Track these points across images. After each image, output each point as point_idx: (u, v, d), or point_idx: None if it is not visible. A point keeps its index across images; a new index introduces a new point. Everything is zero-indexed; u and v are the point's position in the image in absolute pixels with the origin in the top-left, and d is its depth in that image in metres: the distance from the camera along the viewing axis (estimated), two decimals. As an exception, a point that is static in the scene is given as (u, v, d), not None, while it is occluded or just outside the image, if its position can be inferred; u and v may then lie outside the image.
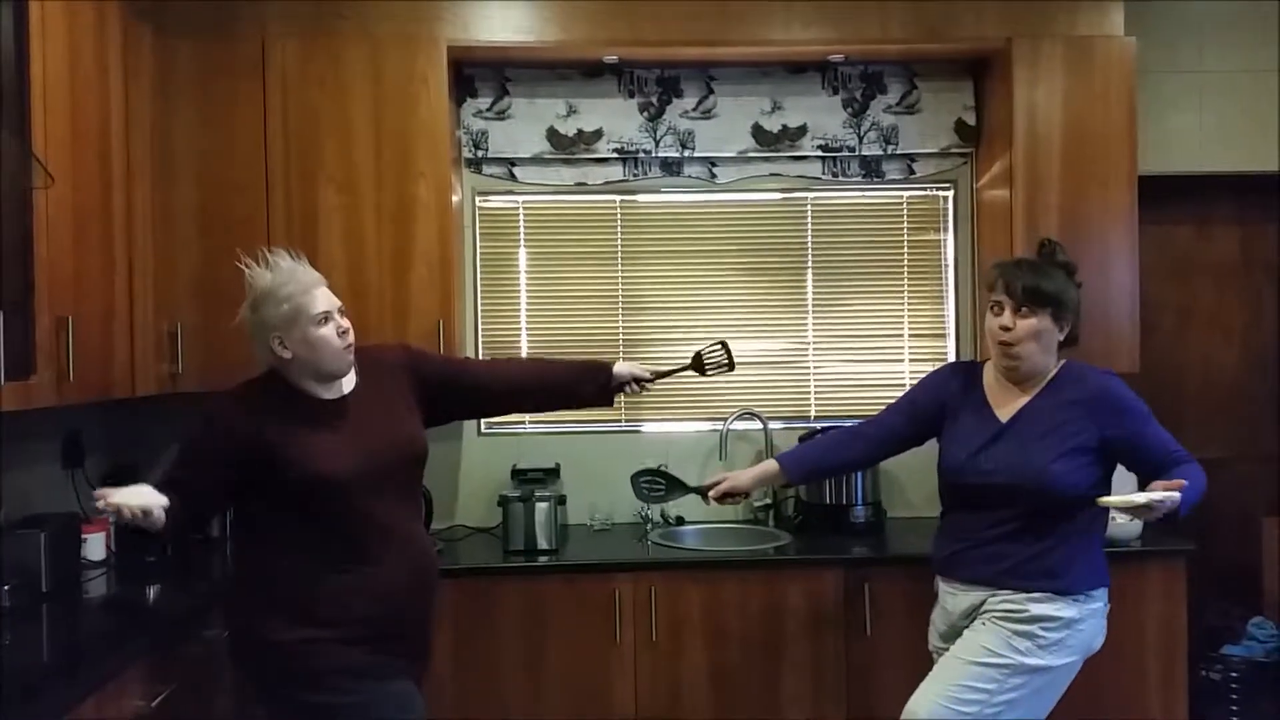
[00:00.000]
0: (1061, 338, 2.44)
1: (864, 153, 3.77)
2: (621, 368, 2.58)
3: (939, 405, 2.64)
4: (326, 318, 2.24)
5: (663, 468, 3.10)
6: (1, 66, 2.33)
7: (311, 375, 2.27)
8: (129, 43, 2.99)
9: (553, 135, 3.70)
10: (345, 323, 2.28)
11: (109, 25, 2.87)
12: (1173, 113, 3.85)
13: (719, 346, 2.67)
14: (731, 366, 2.68)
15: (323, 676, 2.21)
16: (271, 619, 2.22)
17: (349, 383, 2.34)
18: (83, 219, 2.69)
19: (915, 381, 3.79)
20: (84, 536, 3.02)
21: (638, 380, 2.58)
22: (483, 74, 3.68)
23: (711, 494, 2.68)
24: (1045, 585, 2.41)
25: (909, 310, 3.85)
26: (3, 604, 2.56)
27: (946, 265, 3.85)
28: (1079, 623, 2.43)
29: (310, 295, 2.24)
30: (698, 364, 2.68)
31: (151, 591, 2.93)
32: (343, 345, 2.26)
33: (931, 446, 3.73)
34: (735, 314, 3.83)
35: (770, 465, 2.70)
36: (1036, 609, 2.40)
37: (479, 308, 3.78)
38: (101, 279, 2.81)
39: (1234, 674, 3.58)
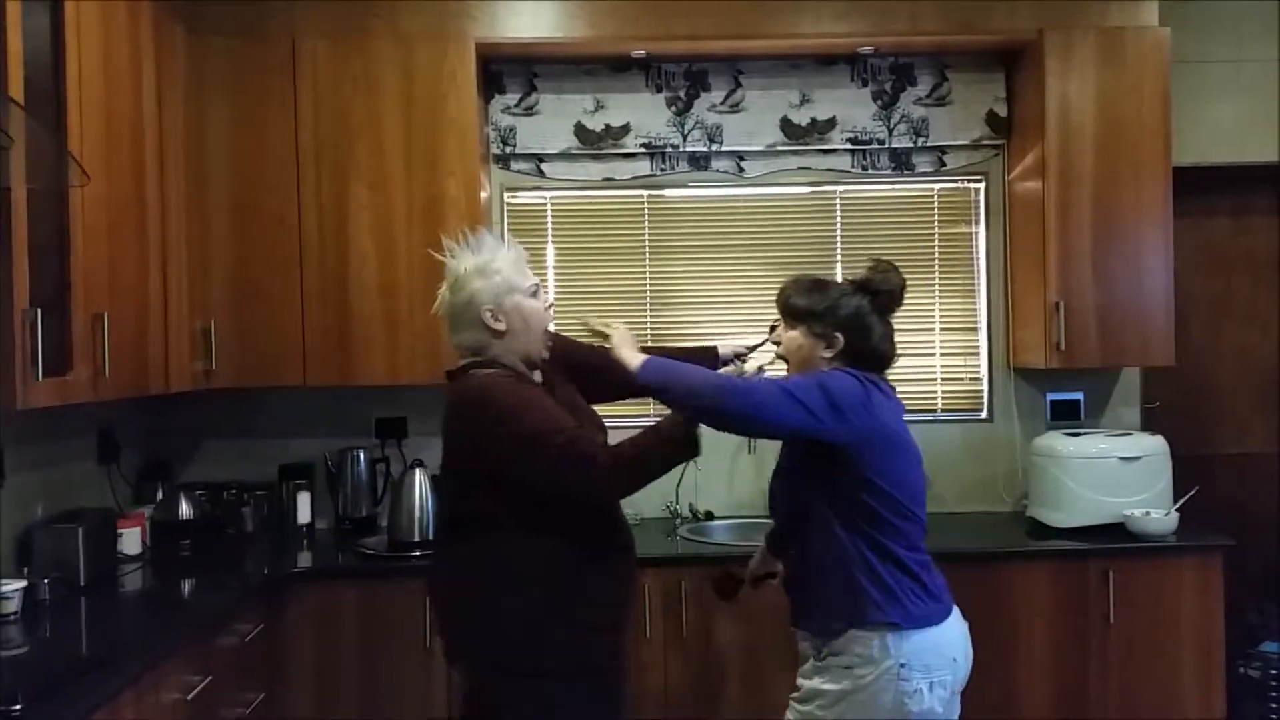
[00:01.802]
0: (828, 354, 2.17)
1: (894, 145, 3.74)
2: (725, 349, 2.62)
3: None
4: (537, 290, 2.23)
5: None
6: (38, 66, 2.36)
7: (520, 354, 2.22)
8: (162, 42, 3.02)
9: (580, 131, 3.70)
10: (549, 299, 2.30)
11: (142, 25, 2.90)
12: (1208, 103, 3.79)
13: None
14: None
15: (598, 669, 2.19)
16: (546, 612, 2.12)
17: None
18: (117, 217, 2.73)
19: (946, 375, 3.83)
20: (120, 531, 3.06)
21: (738, 355, 2.59)
22: (511, 70, 3.69)
23: (748, 582, 2.56)
24: (805, 625, 2.16)
25: (940, 304, 3.81)
26: (42, 596, 2.59)
27: (978, 258, 3.82)
28: (853, 694, 2.05)
29: (520, 268, 2.22)
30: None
31: (187, 585, 2.97)
32: (548, 321, 2.25)
33: (977, 435, 3.75)
34: (764, 309, 3.79)
35: (761, 545, 2.54)
36: (807, 685, 2.12)
37: (508, 303, 3.78)
38: (136, 276, 2.85)
39: (1273, 671, 3.54)
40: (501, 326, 2.18)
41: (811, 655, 2.13)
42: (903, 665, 2.03)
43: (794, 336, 2.19)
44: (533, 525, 2.11)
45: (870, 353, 2.18)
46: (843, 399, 2.04)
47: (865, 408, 2.06)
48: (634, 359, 2.11)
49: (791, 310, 2.20)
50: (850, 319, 2.16)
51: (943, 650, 2.08)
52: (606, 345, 2.22)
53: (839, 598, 2.08)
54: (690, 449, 2.08)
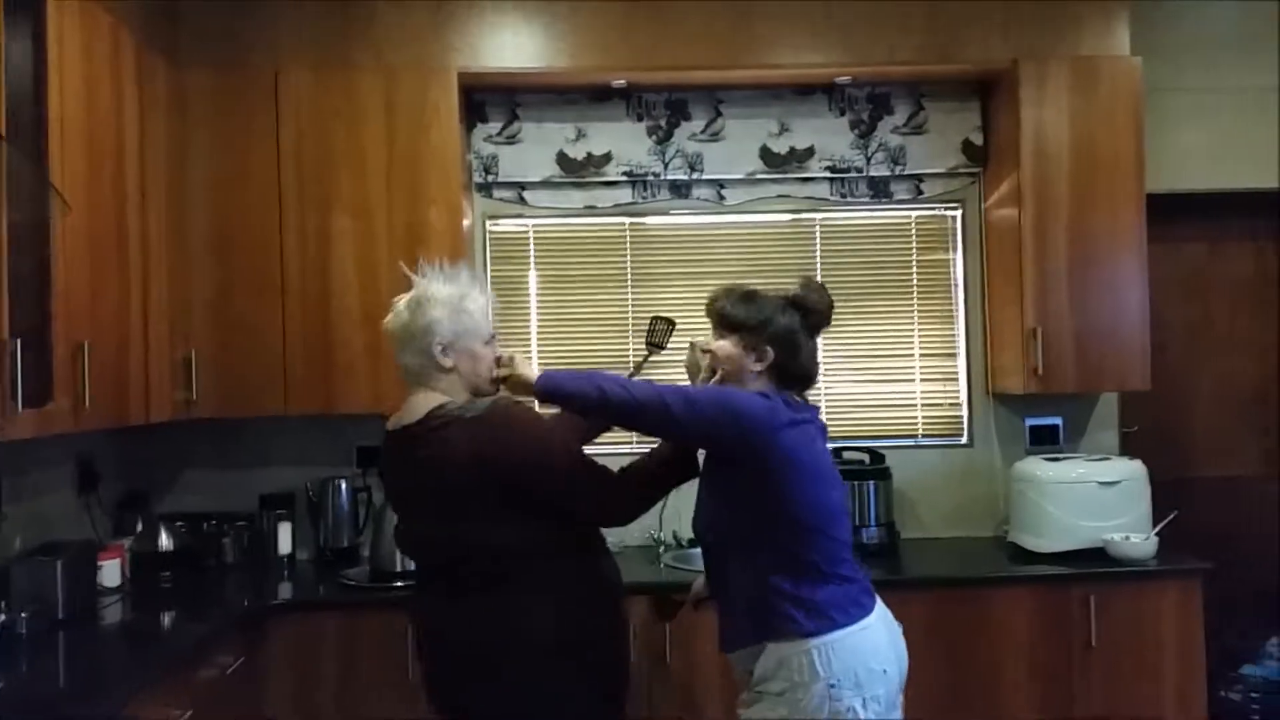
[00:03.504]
0: (758, 368, 2.18)
1: (872, 173, 3.78)
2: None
3: None
4: (491, 340, 2.23)
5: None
6: (20, 98, 2.37)
7: (468, 389, 2.20)
8: (144, 74, 3.03)
9: (562, 159, 3.73)
10: (503, 356, 2.24)
11: (124, 57, 2.91)
12: (1181, 130, 3.83)
13: (663, 323, 2.61)
14: (672, 324, 2.65)
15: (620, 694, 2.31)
16: (612, 633, 2.26)
17: None
18: (99, 248, 2.72)
19: (926, 401, 3.85)
20: (99, 563, 3.02)
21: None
22: (493, 99, 3.71)
23: (689, 604, 2.61)
24: (727, 645, 2.20)
25: (919, 330, 3.85)
26: (19, 631, 2.56)
27: (956, 284, 3.85)
28: None
29: (486, 315, 2.22)
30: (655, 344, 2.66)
31: (167, 617, 2.94)
32: (492, 370, 2.21)
33: (957, 460, 3.76)
34: (745, 335, 3.82)
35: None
36: (745, 715, 2.14)
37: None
38: (117, 306, 2.84)
39: (1254, 694, 3.56)
40: (449, 363, 2.16)
41: (747, 681, 2.13)
42: (832, 686, 2.03)
43: (724, 345, 2.20)
44: (578, 559, 2.20)
45: (796, 371, 2.20)
46: (743, 413, 2.06)
47: (770, 428, 2.06)
48: (531, 374, 2.17)
49: (725, 319, 2.22)
50: (782, 335, 2.18)
51: (870, 664, 2.07)
52: (508, 377, 2.20)
53: (752, 612, 2.11)
54: (689, 469, 2.21)
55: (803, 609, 2.06)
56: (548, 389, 2.13)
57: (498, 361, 2.22)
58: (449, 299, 2.17)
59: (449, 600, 2.15)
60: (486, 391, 2.22)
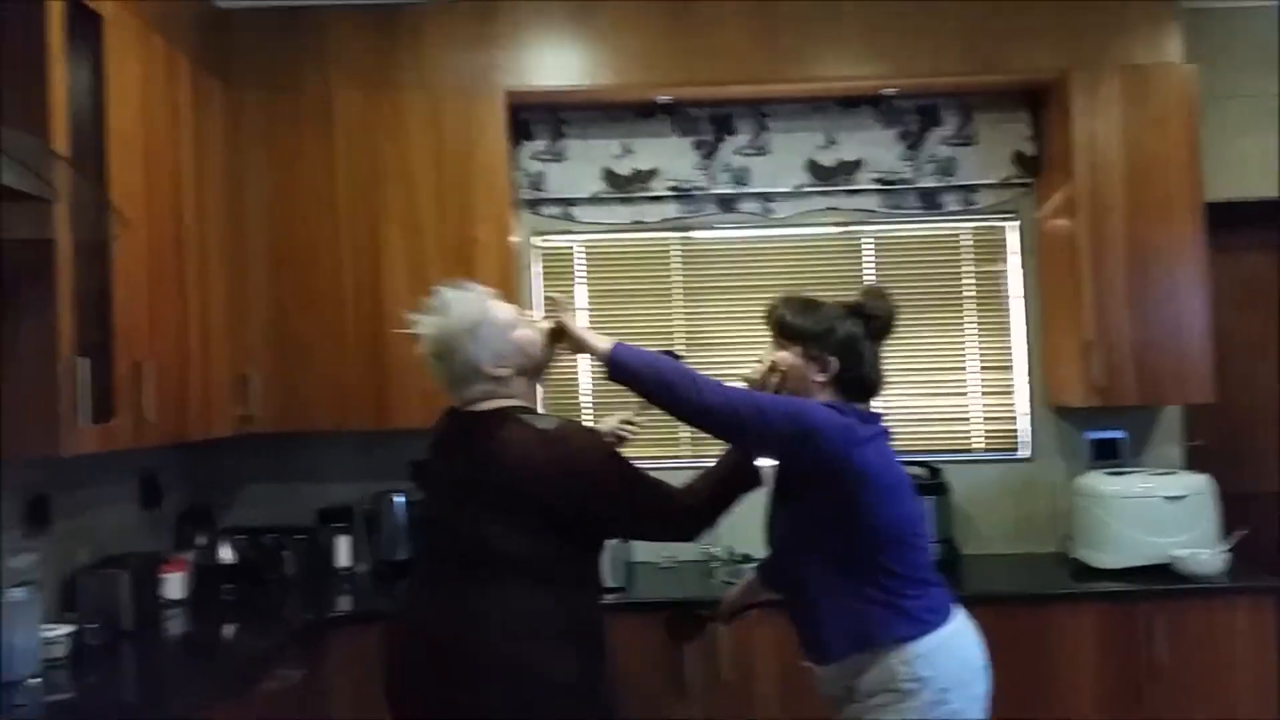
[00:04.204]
0: (821, 379, 2.11)
1: (921, 185, 3.75)
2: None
3: None
4: (517, 321, 2.18)
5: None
6: (82, 123, 2.45)
7: (533, 378, 2.21)
8: (200, 96, 3.11)
9: (609, 175, 3.75)
10: (530, 315, 2.23)
11: (180, 80, 2.99)
12: (1239, 137, 3.75)
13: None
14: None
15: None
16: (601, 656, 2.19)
17: None
18: (158, 267, 2.80)
19: (983, 414, 3.79)
20: (163, 576, 3.10)
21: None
22: (538, 117, 3.75)
23: (720, 619, 2.56)
24: (815, 656, 2.12)
25: (974, 343, 3.79)
26: (87, 641, 2.62)
27: (1011, 296, 3.80)
28: None
29: (493, 308, 2.16)
30: None
31: (229, 630, 2.99)
32: (540, 337, 2.18)
33: (1017, 475, 3.70)
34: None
35: (750, 575, 2.51)
36: None
37: (541, 347, 3.81)
38: (176, 324, 2.91)
39: (1330, 715, 3.42)
40: (507, 372, 2.13)
41: (847, 695, 2.07)
42: (943, 689, 1.99)
43: (785, 356, 2.13)
44: (592, 571, 2.18)
45: (860, 380, 2.13)
46: (817, 431, 1.98)
47: (846, 444, 1.99)
48: (601, 340, 2.06)
49: (787, 329, 2.15)
50: (845, 343, 2.11)
51: (972, 663, 2.06)
52: (559, 322, 2.14)
53: (843, 622, 2.04)
54: (752, 480, 2.15)
55: (896, 614, 2.01)
56: (618, 367, 2.04)
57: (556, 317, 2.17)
58: (468, 328, 2.12)
59: (455, 592, 2.07)
60: (547, 360, 2.20)
